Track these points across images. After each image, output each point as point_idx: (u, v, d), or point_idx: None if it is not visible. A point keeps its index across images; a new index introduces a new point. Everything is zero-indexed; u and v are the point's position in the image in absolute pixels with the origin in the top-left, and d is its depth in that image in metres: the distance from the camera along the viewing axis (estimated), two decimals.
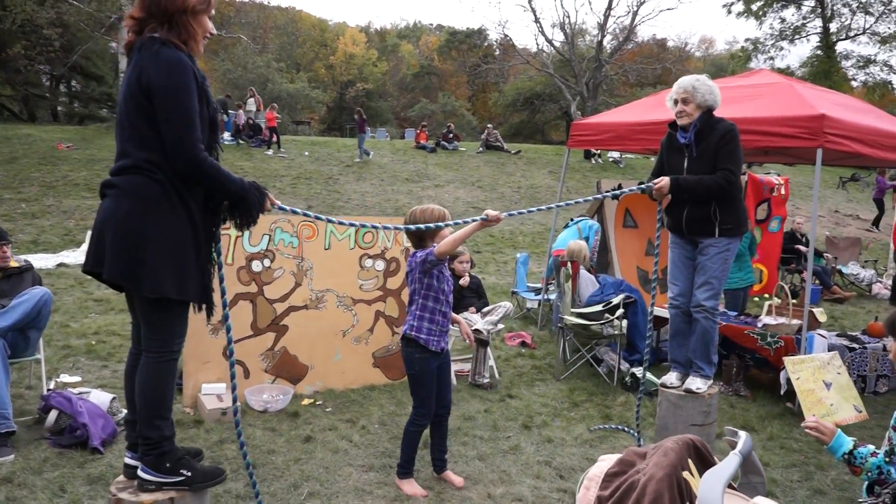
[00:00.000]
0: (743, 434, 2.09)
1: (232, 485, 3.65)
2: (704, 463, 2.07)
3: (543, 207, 4.57)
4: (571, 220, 8.23)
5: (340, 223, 3.50)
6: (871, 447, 2.50)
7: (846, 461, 2.50)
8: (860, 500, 2.49)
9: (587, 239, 7.48)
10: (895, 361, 2.55)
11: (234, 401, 3.22)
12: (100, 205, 2.74)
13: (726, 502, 1.80)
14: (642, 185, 4.36)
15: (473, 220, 3.50)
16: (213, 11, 2.77)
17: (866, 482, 2.50)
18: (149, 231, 2.61)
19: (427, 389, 3.70)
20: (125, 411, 4.21)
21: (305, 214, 3.55)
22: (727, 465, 1.88)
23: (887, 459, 2.42)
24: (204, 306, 2.87)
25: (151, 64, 2.57)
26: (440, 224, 3.53)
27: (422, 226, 3.55)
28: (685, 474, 1.96)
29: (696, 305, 4.31)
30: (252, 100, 22.53)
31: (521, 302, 8.61)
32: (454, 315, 4.15)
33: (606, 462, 2.15)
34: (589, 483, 2.07)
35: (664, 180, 4.14)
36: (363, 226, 3.67)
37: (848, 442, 2.52)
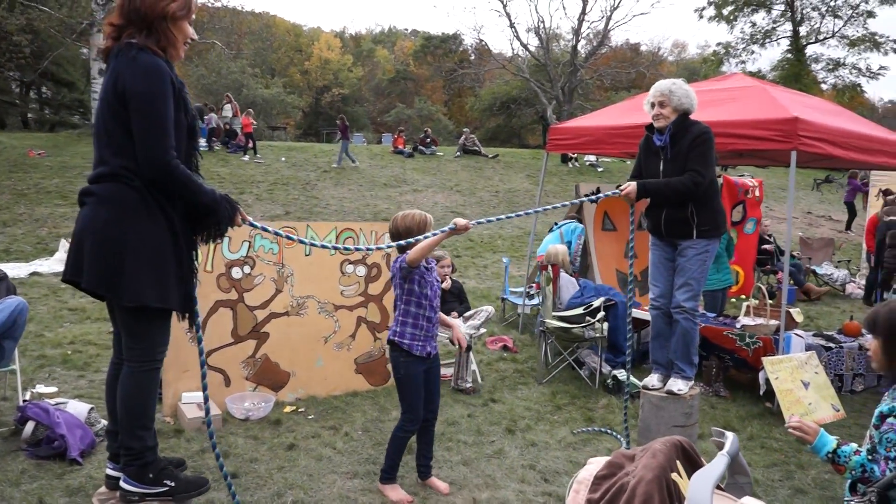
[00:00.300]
0: (730, 435, 2.11)
1: (215, 494, 3.60)
2: (692, 464, 2.09)
3: (513, 215, 4.55)
4: (556, 223, 8.24)
5: (312, 245, 3.50)
6: (854, 445, 2.53)
7: (830, 460, 2.52)
8: (846, 499, 2.52)
9: (569, 243, 7.50)
10: (874, 359, 2.58)
11: (207, 412, 3.21)
12: (78, 213, 2.70)
13: (714, 503, 1.81)
14: (613, 191, 4.40)
15: (442, 231, 3.54)
16: (193, 17, 2.74)
17: (849, 480, 2.53)
18: (127, 239, 2.58)
19: (414, 394, 3.68)
20: (104, 422, 4.16)
21: (277, 234, 3.56)
22: (715, 466, 1.90)
23: (870, 457, 2.45)
24: (186, 315, 2.84)
25: (128, 70, 2.54)
26: (410, 240, 3.58)
27: (393, 244, 3.67)
28: (674, 476, 1.97)
29: (676, 306, 4.36)
30: (229, 106, 22.39)
31: (511, 307, 8.58)
32: (449, 319, 4.15)
33: (595, 465, 2.15)
34: (578, 486, 2.07)
35: (630, 185, 4.22)
36: (335, 247, 3.69)
37: (831, 441, 2.55)
